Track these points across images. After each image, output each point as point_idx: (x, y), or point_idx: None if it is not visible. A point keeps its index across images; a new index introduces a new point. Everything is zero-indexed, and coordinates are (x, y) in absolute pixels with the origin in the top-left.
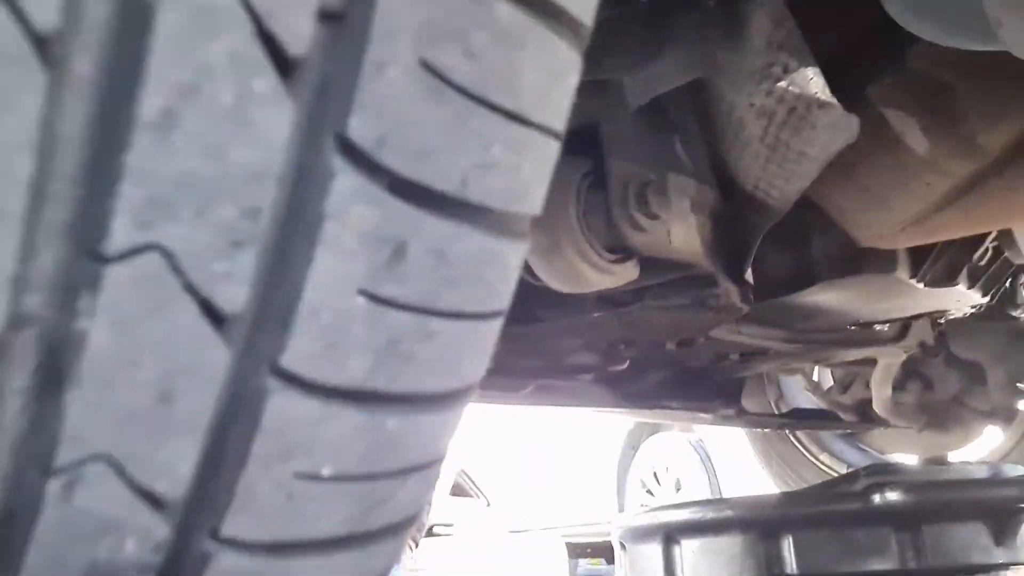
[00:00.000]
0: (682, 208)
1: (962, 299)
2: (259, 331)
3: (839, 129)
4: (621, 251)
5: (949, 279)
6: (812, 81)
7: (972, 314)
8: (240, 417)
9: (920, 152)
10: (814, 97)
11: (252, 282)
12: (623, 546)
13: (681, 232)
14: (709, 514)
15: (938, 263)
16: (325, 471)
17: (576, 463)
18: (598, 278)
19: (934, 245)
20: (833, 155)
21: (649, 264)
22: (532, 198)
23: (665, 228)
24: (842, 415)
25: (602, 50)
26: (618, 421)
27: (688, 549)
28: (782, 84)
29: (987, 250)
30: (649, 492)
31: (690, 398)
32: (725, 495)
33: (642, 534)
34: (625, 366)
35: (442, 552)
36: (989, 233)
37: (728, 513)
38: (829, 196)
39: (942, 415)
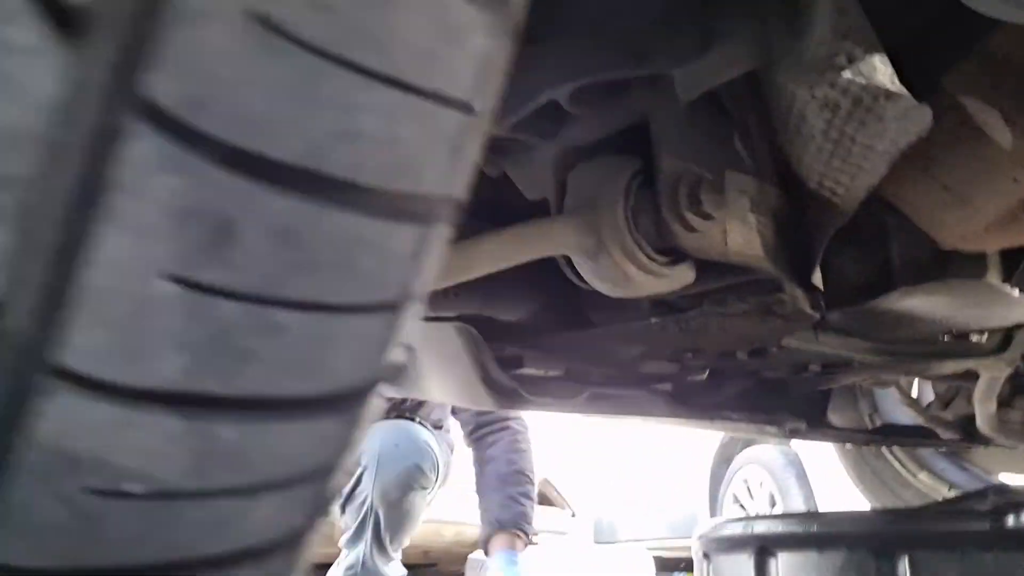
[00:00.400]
0: (740, 207)
1: None
2: (30, 323)
3: (910, 121)
4: (673, 253)
5: None
6: (879, 70)
7: None
8: (8, 423)
9: (1005, 144)
10: (881, 87)
11: (11, 265)
12: (707, 556)
13: (739, 233)
14: (812, 526)
15: None
16: (133, 487)
17: (667, 475)
18: (648, 281)
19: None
20: (904, 149)
21: (707, 268)
22: (424, 175)
23: (721, 229)
24: (942, 432)
25: (649, 44)
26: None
27: (786, 563)
28: (847, 74)
29: None
30: (742, 506)
31: (761, 410)
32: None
33: (731, 545)
34: (703, 376)
35: (526, 563)
36: None
37: (834, 527)
38: (905, 195)
39: None
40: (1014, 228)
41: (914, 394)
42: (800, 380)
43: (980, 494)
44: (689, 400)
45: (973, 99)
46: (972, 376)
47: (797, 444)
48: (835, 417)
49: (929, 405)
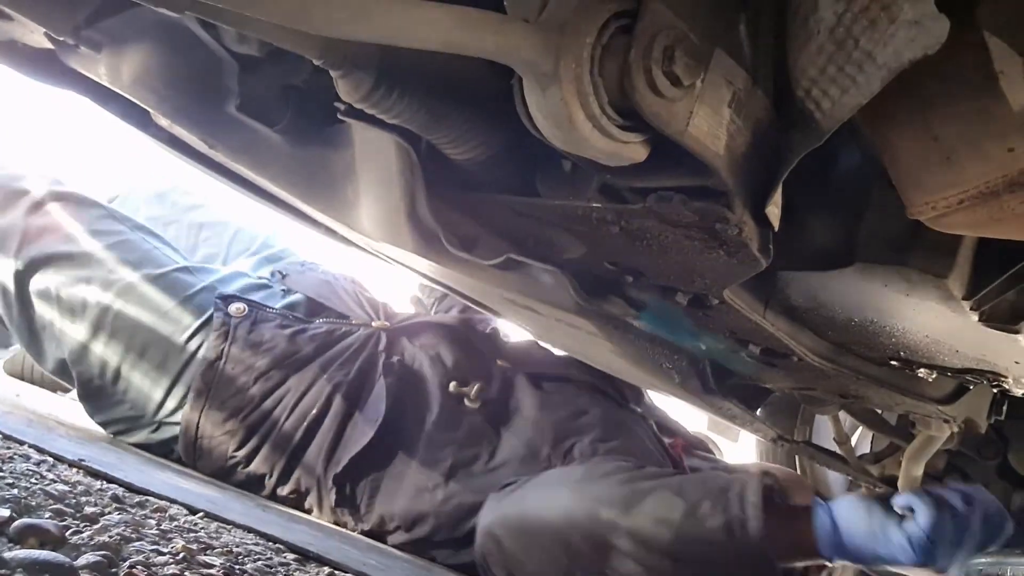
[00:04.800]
0: (719, 96)
1: (1021, 362)
2: None
3: (922, 31)
4: (630, 119)
5: (1011, 320)
6: None
7: None
8: None
9: (1014, 105)
10: None
11: None
12: None
13: (706, 120)
14: None
15: (1003, 295)
16: None
17: None
18: (594, 137)
19: (1002, 271)
20: (904, 66)
21: (662, 161)
22: None
23: (688, 106)
24: (861, 480)
25: None
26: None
27: None
28: None
29: None
30: None
31: (697, 376)
32: None
33: None
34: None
35: None
36: None
37: None
38: (891, 137)
39: None
40: (987, 210)
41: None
42: (741, 362)
43: None
44: (584, 291)
45: (1001, 40)
46: (910, 439)
47: None
48: (770, 420)
49: (862, 456)
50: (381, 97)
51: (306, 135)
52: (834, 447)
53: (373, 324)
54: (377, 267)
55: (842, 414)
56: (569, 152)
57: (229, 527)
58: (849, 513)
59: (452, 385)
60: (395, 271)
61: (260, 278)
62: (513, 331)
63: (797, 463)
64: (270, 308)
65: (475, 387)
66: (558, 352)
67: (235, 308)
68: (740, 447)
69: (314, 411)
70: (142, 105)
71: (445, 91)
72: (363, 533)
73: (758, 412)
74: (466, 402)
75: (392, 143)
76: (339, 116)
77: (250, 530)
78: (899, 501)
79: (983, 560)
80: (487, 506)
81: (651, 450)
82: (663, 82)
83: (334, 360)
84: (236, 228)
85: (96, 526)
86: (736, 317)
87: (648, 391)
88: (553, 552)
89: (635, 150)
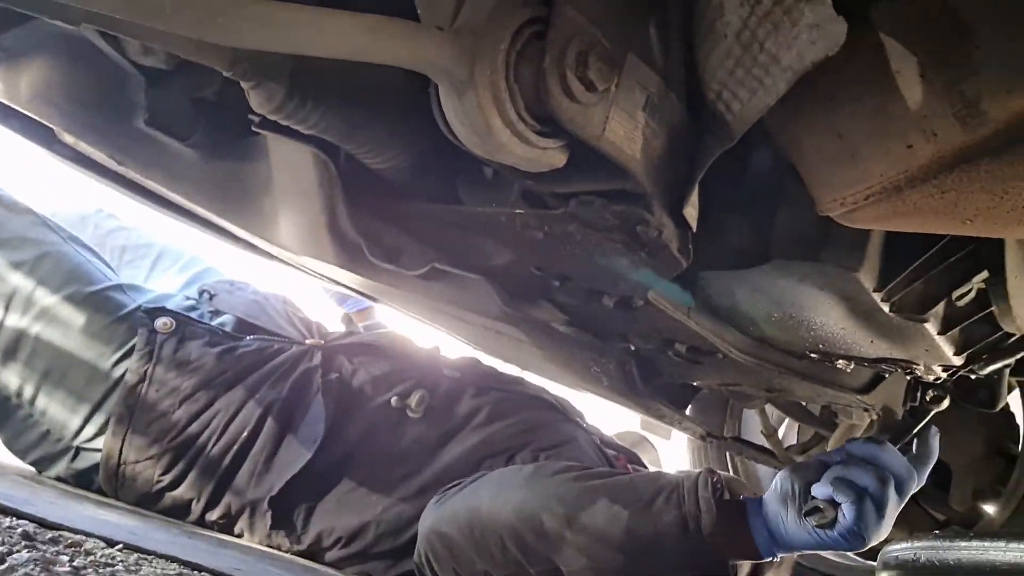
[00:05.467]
0: (633, 100)
1: (931, 350)
2: None
3: (822, 34)
4: (548, 125)
5: (920, 309)
6: None
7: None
8: None
9: (910, 103)
10: None
11: None
12: None
13: (622, 125)
14: None
15: (911, 285)
16: None
17: None
18: (513, 144)
19: (909, 263)
20: (807, 68)
21: (582, 165)
22: None
23: (604, 111)
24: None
25: None
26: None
27: None
28: None
29: (972, 290)
30: None
31: (625, 379)
32: None
33: None
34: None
35: None
36: (977, 268)
37: None
38: (799, 137)
39: None
40: (893, 204)
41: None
42: (668, 361)
43: None
44: (515, 301)
45: (896, 41)
46: (835, 427)
47: None
48: (699, 417)
49: (789, 448)
50: (295, 108)
51: (219, 148)
52: (762, 440)
53: (307, 342)
54: (302, 282)
55: (769, 408)
56: (488, 159)
57: (150, 558)
58: (777, 514)
59: (394, 399)
60: (320, 284)
61: (187, 298)
62: (451, 344)
63: (728, 459)
64: (199, 323)
65: (417, 396)
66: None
67: (161, 323)
68: (673, 444)
69: (245, 433)
70: (44, 122)
71: (361, 100)
72: (299, 554)
73: (688, 410)
74: (408, 413)
75: (309, 155)
76: (253, 128)
77: (173, 559)
78: (819, 493)
79: (919, 545)
80: (428, 509)
81: (595, 461)
82: (578, 87)
83: (266, 379)
84: (160, 250)
85: (2, 567)
86: (662, 317)
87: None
88: (504, 547)
89: (554, 156)
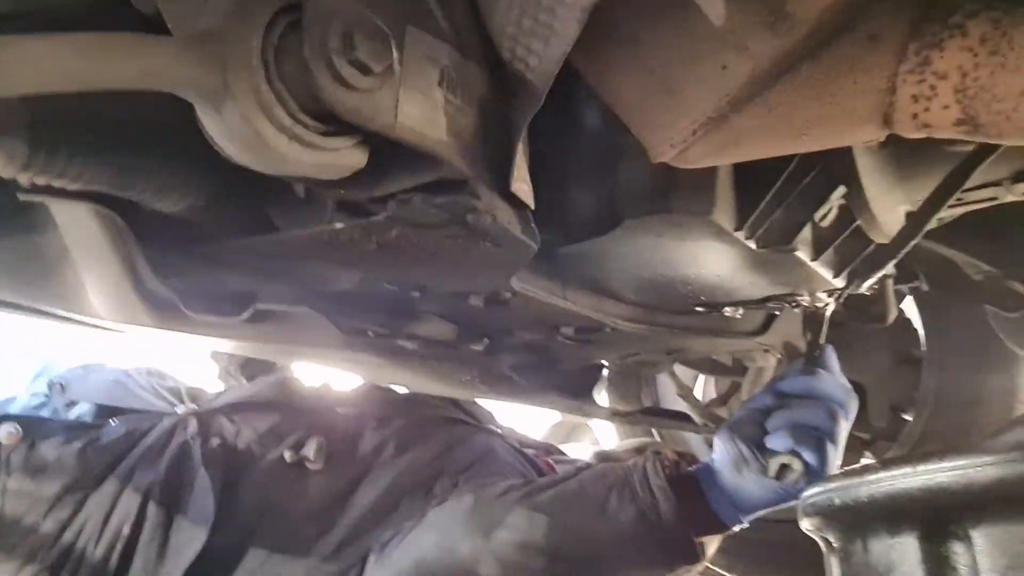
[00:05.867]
0: (425, 77)
1: (810, 277)
2: None
3: None
4: (334, 122)
5: (786, 239)
6: None
7: (852, 330)
8: None
9: (715, 20)
10: None
11: None
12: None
13: (417, 107)
14: None
15: (771, 217)
16: None
17: None
18: (296, 151)
19: (763, 195)
20: (591, 5)
21: (387, 161)
22: None
23: (390, 96)
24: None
25: None
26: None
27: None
28: None
29: (832, 208)
30: None
31: (532, 383)
32: None
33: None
34: (481, 346)
35: None
36: (832, 185)
37: None
38: (615, 85)
39: None
40: (723, 135)
41: (698, 392)
42: (561, 346)
43: None
44: (388, 346)
45: None
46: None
47: None
48: (613, 398)
49: (709, 403)
50: (46, 162)
51: (2, 225)
52: (680, 402)
53: (178, 411)
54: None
55: (681, 369)
56: (278, 174)
57: None
58: (734, 482)
59: (288, 454)
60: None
61: (35, 395)
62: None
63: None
64: (50, 421)
65: (313, 445)
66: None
67: (3, 432)
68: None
69: (126, 527)
70: None
71: (126, 140)
72: None
73: (599, 389)
74: (307, 465)
75: (90, 212)
76: (19, 197)
77: None
78: (779, 447)
79: (832, 487)
80: (369, 569)
81: (517, 467)
82: (351, 72)
83: (139, 463)
84: None
85: None
86: (537, 305)
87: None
88: None
89: (350, 155)
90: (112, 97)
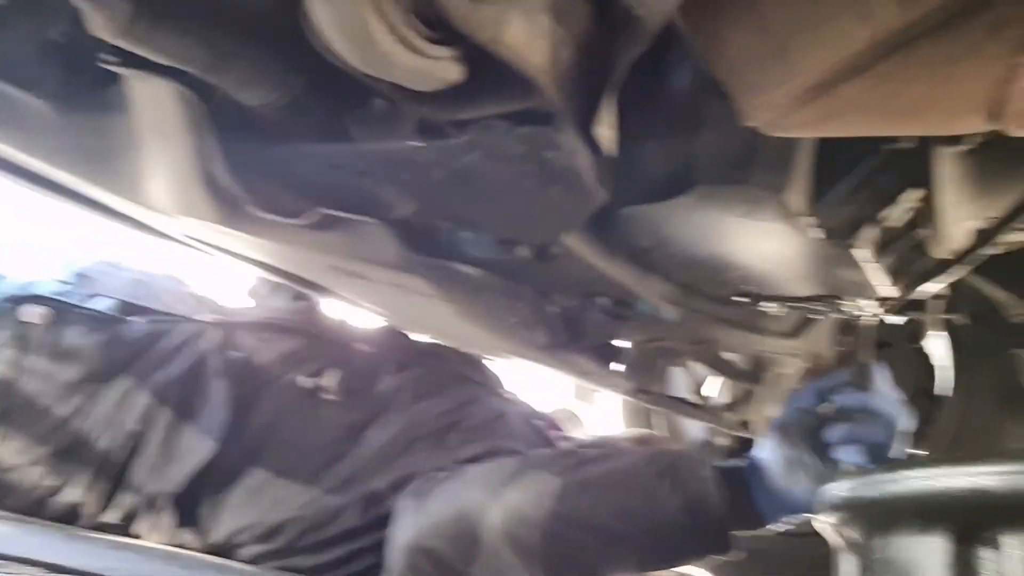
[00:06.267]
0: (534, 1)
1: (862, 280)
2: None
3: None
4: (438, 29)
5: (849, 232)
6: None
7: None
8: None
9: None
10: None
11: None
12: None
13: (521, 28)
14: None
15: (840, 207)
16: None
17: None
18: (401, 54)
19: (836, 183)
20: None
21: (479, 84)
22: None
23: (501, 10)
24: (719, 425)
25: None
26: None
27: None
28: None
29: (901, 211)
30: None
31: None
32: None
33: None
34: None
35: None
36: (905, 185)
37: None
38: (721, 39)
39: None
40: (827, 104)
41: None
42: (593, 319)
43: None
44: (445, 273)
45: None
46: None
47: None
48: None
49: (719, 406)
50: (145, 30)
51: (76, 100)
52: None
53: (199, 318)
54: (195, 260)
55: (696, 366)
56: (373, 74)
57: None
58: (788, 486)
59: (306, 381)
60: (218, 262)
61: (60, 281)
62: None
63: (664, 420)
64: (77, 308)
65: (332, 377)
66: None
67: (32, 312)
68: (596, 410)
69: (136, 426)
70: None
71: (226, 21)
72: (208, 550)
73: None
74: (322, 395)
75: (173, 92)
76: (103, 65)
77: (34, 563)
78: (848, 458)
79: (860, 481)
80: (402, 515)
81: (528, 435)
82: None
83: (156, 363)
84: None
85: None
86: (582, 267)
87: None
88: (504, 557)
89: (447, 68)
90: None
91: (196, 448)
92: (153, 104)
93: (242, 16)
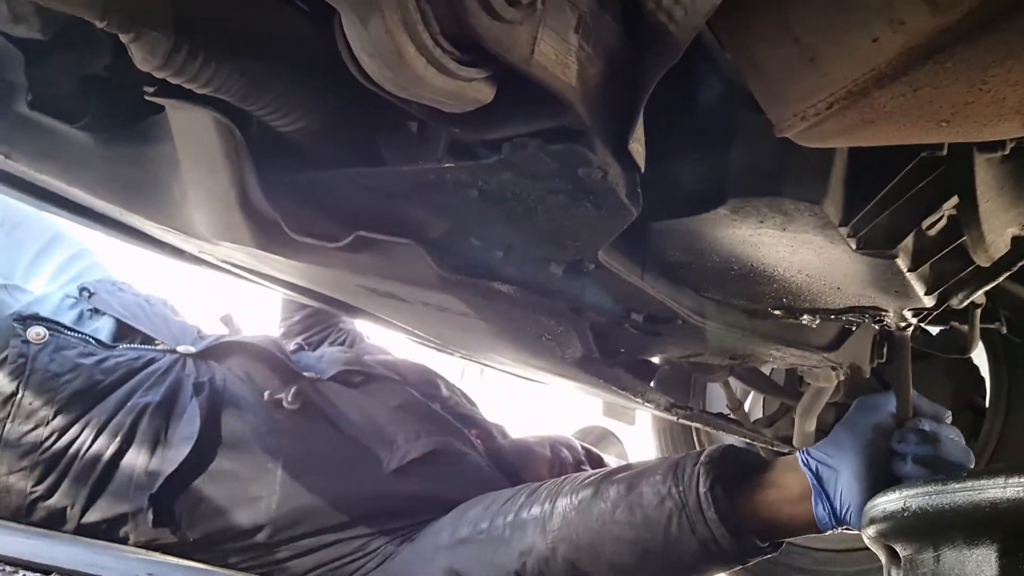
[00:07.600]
0: (563, 19)
1: (901, 290)
2: None
3: None
4: (468, 51)
5: (887, 243)
6: None
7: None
8: None
9: None
10: None
11: None
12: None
13: (552, 47)
14: None
15: (878, 217)
16: None
17: None
18: (431, 75)
19: (873, 194)
20: None
21: (509, 103)
22: None
23: (530, 31)
24: (760, 447)
25: None
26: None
27: None
28: None
29: (942, 217)
30: None
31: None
32: None
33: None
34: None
35: None
36: (945, 193)
37: None
38: (752, 50)
39: None
40: (859, 110)
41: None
42: (626, 334)
43: None
44: (481, 291)
45: None
46: (800, 396)
47: None
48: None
49: (756, 422)
50: (184, 62)
51: (117, 131)
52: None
53: (178, 350)
54: (224, 284)
55: (733, 382)
56: (405, 96)
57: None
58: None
59: (267, 394)
60: (245, 286)
61: (67, 296)
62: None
63: (694, 434)
64: (73, 333)
65: (291, 390)
66: (373, 356)
67: (34, 333)
68: (637, 431)
69: (120, 436)
70: None
71: (261, 50)
72: (187, 549)
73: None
74: (285, 405)
75: (211, 121)
76: (146, 97)
77: (12, 562)
78: (922, 429)
79: (908, 494)
80: (430, 543)
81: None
82: (499, 2)
83: (140, 386)
84: (39, 248)
85: None
86: (615, 282)
87: (530, 379)
88: None
89: (479, 88)
90: (249, 7)
91: (174, 455)
92: (192, 133)
93: (274, 45)
